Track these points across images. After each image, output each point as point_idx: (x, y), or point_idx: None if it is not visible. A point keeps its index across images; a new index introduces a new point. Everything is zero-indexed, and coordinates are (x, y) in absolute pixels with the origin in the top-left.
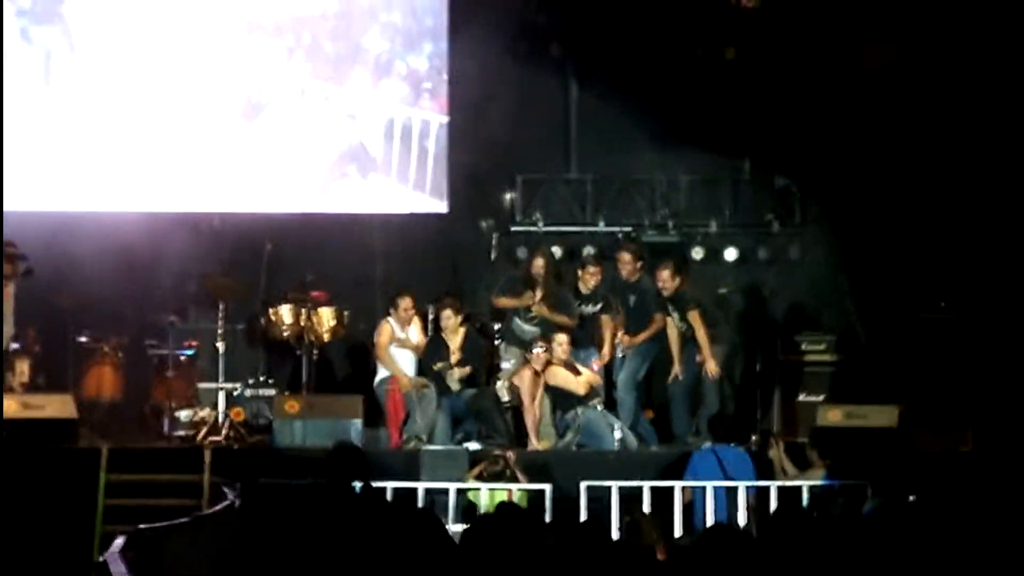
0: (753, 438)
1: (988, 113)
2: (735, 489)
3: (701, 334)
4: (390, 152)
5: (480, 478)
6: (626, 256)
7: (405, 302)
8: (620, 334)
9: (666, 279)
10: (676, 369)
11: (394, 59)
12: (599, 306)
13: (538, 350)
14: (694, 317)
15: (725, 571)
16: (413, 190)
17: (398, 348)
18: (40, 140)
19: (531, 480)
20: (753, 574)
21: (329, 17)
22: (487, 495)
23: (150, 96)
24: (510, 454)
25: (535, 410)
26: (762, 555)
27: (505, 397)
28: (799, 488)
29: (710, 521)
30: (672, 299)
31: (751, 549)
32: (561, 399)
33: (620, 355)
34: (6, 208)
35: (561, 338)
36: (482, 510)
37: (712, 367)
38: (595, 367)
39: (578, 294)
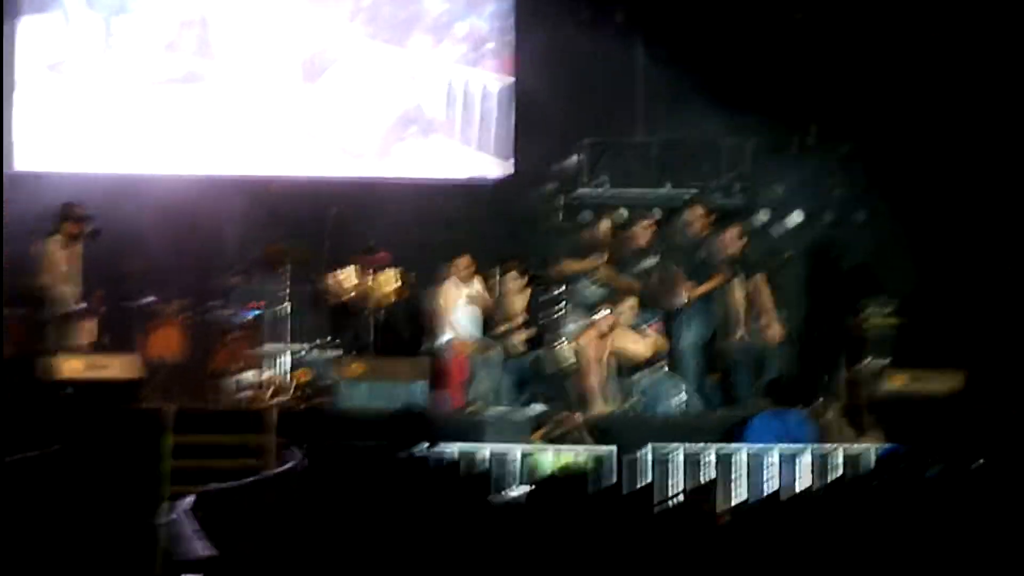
0: (824, 402)
1: None
2: (798, 452)
3: (767, 298)
4: (453, 114)
5: (547, 440)
6: (698, 210)
7: (464, 261)
8: (684, 286)
9: (731, 239)
10: (741, 331)
11: (455, 20)
12: (656, 259)
13: (604, 312)
14: (760, 280)
15: (784, 535)
16: (477, 151)
17: (466, 305)
18: (104, 103)
19: (596, 443)
20: (814, 538)
21: None
22: (552, 458)
23: (212, 59)
24: (577, 416)
25: (600, 373)
26: (824, 519)
27: (570, 360)
28: (863, 452)
29: (773, 484)
30: (739, 261)
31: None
32: (626, 363)
33: (683, 308)
34: (72, 169)
35: (629, 301)
36: (547, 472)
37: (777, 331)
38: (650, 331)
39: (638, 250)
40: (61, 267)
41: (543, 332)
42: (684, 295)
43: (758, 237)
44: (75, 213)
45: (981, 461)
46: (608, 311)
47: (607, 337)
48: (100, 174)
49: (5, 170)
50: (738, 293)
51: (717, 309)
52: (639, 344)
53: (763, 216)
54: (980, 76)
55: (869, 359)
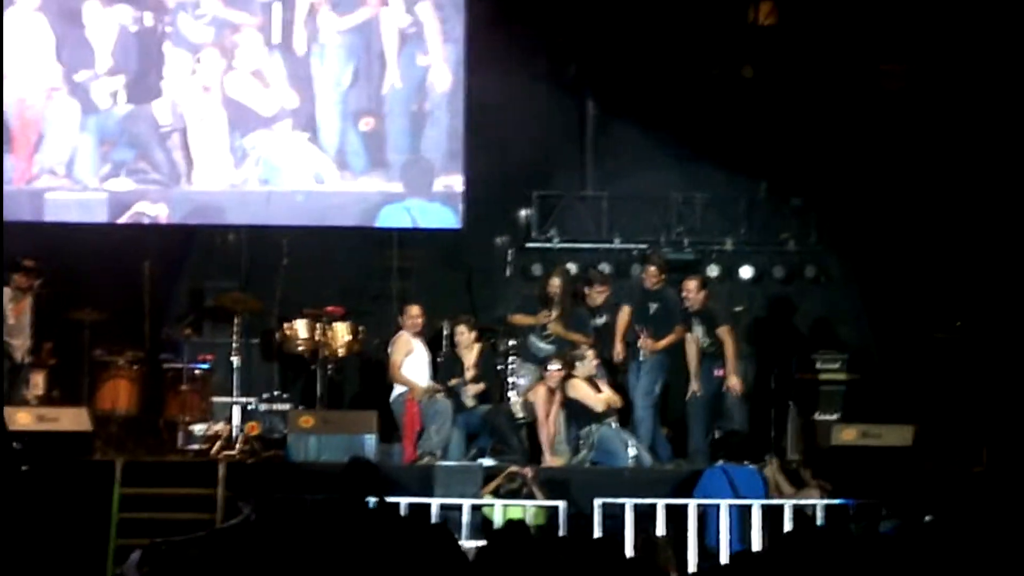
0: (766, 458)
1: (1003, 135)
2: (748, 508)
3: (731, 351)
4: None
5: (496, 494)
6: (652, 269)
7: (413, 310)
8: (642, 339)
9: (692, 290)
10: (695, 385)
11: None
12: (605, 318)
13: (553, 368)
14: (725, 332)
15: None
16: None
17: (417, 357)
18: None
19: (546, 497)
20: None
21: None
22: (501, 511)
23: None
24: (528, 471)
25: (549, 426)
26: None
27: (520, 413)
28: (814, 507)
29: (724, 539)
30: (699, 313)
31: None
32: (577, 415)
33: (641, 359)
34: (24, 218)
35: (590, 353)
36: (497, 526)
37: (737, 384)
38: (605, 385)
39: (589, 309)
40: (10, 320)
41: (492, 386)
42: (643, 348)
43: (718, 288)
44: (25, 266)
45: (928, 517)
46: (557, 366)
47: (556, 391)
48: (50, 223)
49: None
50: (693, 345)
51: (667, 360)
52: (593, 397)
53: (713, 271)
54: (932, 130)
55: (819, 413)
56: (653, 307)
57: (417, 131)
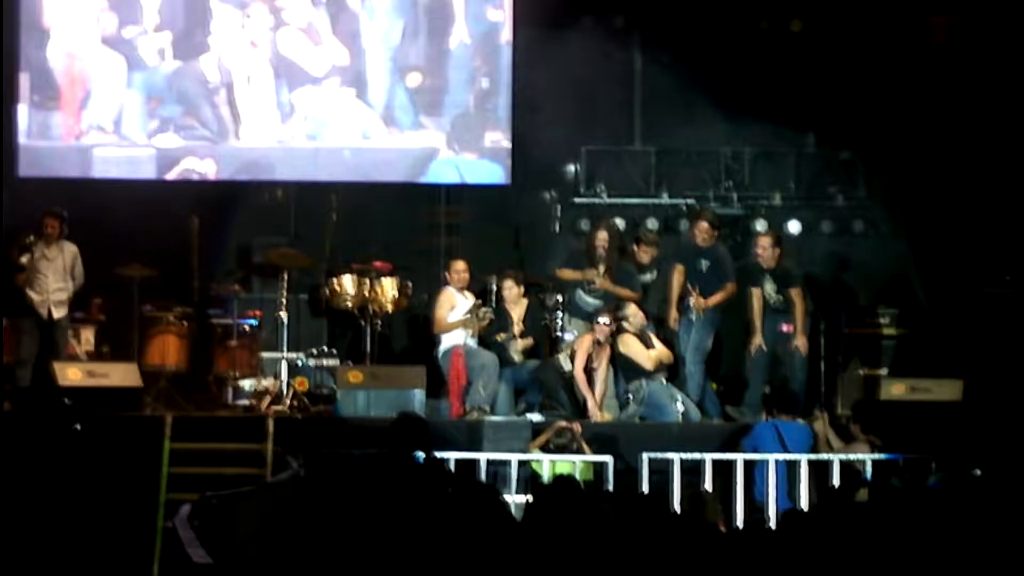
0: (816, 411)
1: None
2: (796, 462)
3: (800, 310)
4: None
5: (545, 449)
6: (704, 224)
7: (458, 265)
8: (693, 297)
9: (767, 247)
10: (758, 339)
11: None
12: (655, 273)
13: (602, 321)
14: (796, 293)
15: (785, 546)
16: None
17: (465, 312)
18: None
19: (594, 452)
20: (813, 549)
21: None
22: (549, 466)
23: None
24: (576, 426)
25: (599, 382)
26: (824, 530)
27: (567, 367)
28: (862, 462)
29: (771, 494)
30: (772, 271)
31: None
32: (625, 370)
33: (692, 318)
34: (72, 174)
35: (634, 309)
36: (545, 481)
37: (803, 344)
38: (656, 340)
39: (637, 266)
40: (46, 271)
41: (540, 340)
42: (694, 307)
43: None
44: (53, 211)
45: (978, 472)
46: (607, 320)
47: (605, 346)
48: (98, 179)
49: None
50: (758, 300)
51: (717, 315)
52: (643, 354)
53: (761, 225)
54: (980, 83)
55: (869, 368)
56: (704, 264)
57: (465, 87)
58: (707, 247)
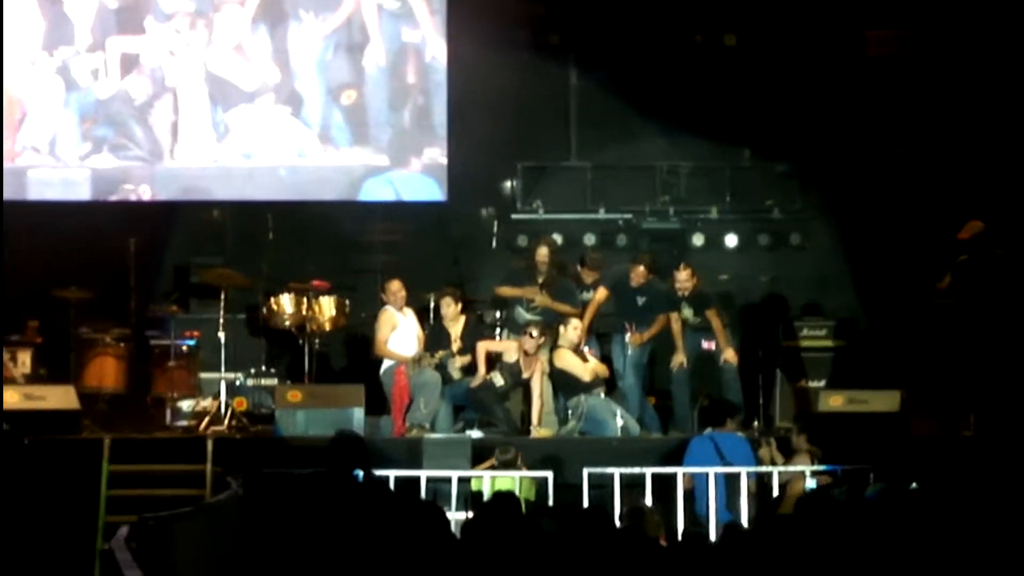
0: (755, 424)
1: (987, 100)
2: (737, 475)
3: (719, 326)
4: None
5: (494, 467)
6: (640, 269)
7: (393, 285)
8: (629, 333)
9: (684, 280)
10: (680, 357)
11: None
12: (592, 292)
13: (531, 332)
14: (713, 314)
15: (726, 558)
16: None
17: (403, 330)
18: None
19: (534, 468)
20: (752, 562)
21: None
22: (490, 483)
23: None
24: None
25: (536, 396)
26: (762, 543)
27: (499, 382)
28: (802, 474)
29: (712, 507)
30: (688, 298)
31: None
32: (564, 386)
33: (630, 350)
34: (7, 196)
35: (575, 323)
36: (485, 497)
37: (732, 356)
38: (591, 355)
39: (578, 283)
40: None
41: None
42: (630, 343)
43: (694, 260)
44: None
45: (914, 484)
46: (535, 333)
47: (535, 358)
48: (36, 200)
49: None
50: (677, 323)
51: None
52: (580, 367)
53: (698, 239)
54: (916, 95)
55: (806, 380)
56: (640, 300)
57: (400, 104)
58: (642, 285)
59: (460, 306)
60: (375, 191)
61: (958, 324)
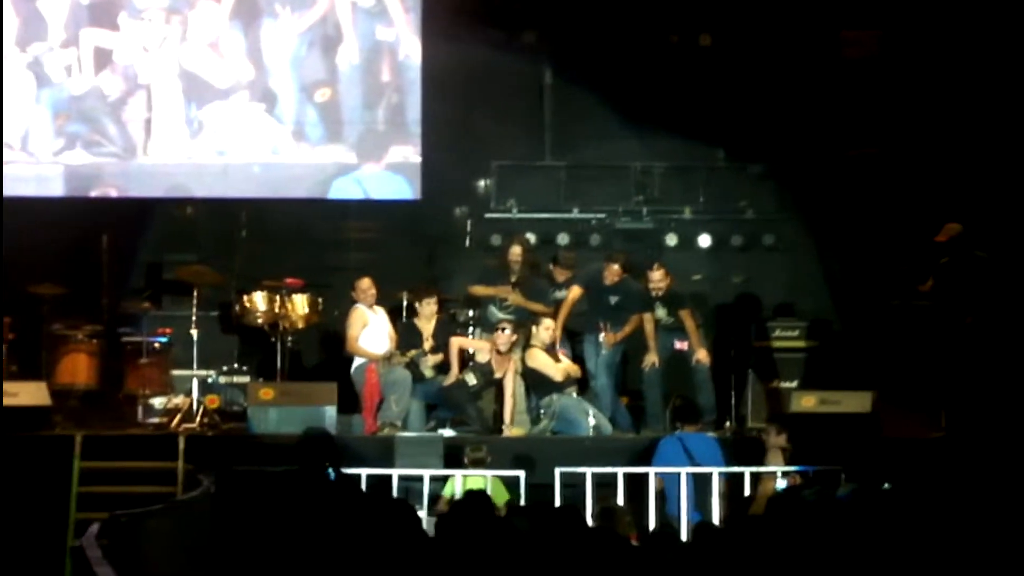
0: (727, 424)
1: (963, 100)
2: (707, 476)
3: (692, 326)
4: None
5: (459, 464)
6: (615, 267)
7: (363, 283)
8: (604, 333)
9: (658, 280)
10: (652, 357)
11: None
12: (564, 291)
13: (502, 330)
14: (686, 314)
15: (698, 557)
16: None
17: (375, 328)
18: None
19: (506, 467)
20: (724, 560)
21: None
22: (462, 482)
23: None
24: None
25: (509, 395)
26: (733, 543)
27: (472, 381)
28: (773, 475)
29: (683, 507)
30: (662, 298)
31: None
32: (536, 385)
33: (603, 349)
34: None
35: (548, 322)
36: (456, 496)
37: (705, 356)
38: (563, 355)
39: (551, 282)
40: None
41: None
42: (604, 342)
43: (667, 260)
44: None
45: (887, 485)
46: (508, 329)
47: (507, 357)
48: (6, 196)
49: None
50: (649, 323)
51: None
52: (552, 367)
53: (671, 239)
54: (891, 96)
55: (778, 381)
56: (613, 299)
57: (374, 102)
58: (615, 284)
59: (434, 304)
60: (343, 190)
61: (935, 326)
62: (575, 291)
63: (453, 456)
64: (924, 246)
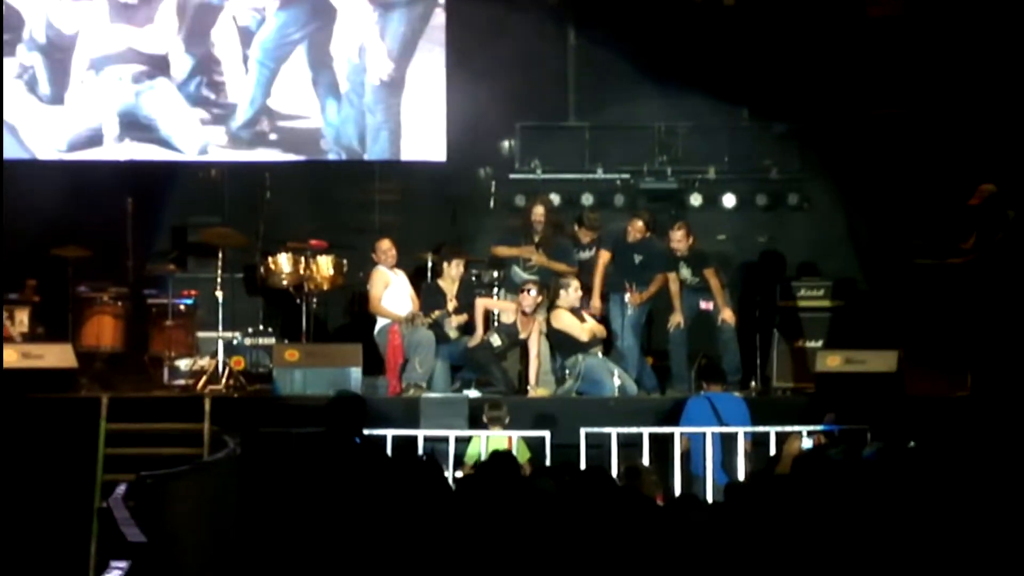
0: (752, 384)
1: (989, 59)
2: (733, 435)
3: (717, 286)
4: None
5: (483, 425)
6: (639, 224)
7: (383, 244)
8: (629, 293)
9: (680, 239)
10: (677, 317)
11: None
12: (593, 251)
13: (528, 291)
14: (711, 273)
15: (723, 517)
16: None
17: (398, 289)
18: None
19: (531, 427)
20: (751, 519)
21: None
22: (486, 442)
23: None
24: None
25: (534, 356)
26: (760, 502)
27: (496, 342)
28: (798, 434)
29: (709, 467)
30: (686, 257)
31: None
32: (561, 346)
33: (629, 310)
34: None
35: (574, 283)
36: (482, 457)
37: (730, 316)
38: (588, 315)
39: (575, 243)
40: None
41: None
42: (630, 302)
43: (692, 220)
44: None
45: (912, 443)
46: (534, 291)
47: (532, 318)
48: (35, 160)
49: None
50: (675, 283)
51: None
52: (577, 327)
53: (696, 199)
54: (916, 55)
55: (803, 340)
56: (638, 258)
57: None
58: (639, 242)
59: (459, 265)
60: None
61: (968, 284)
62: (604, 256)
63: (478, 417)
64: (958, 207)
